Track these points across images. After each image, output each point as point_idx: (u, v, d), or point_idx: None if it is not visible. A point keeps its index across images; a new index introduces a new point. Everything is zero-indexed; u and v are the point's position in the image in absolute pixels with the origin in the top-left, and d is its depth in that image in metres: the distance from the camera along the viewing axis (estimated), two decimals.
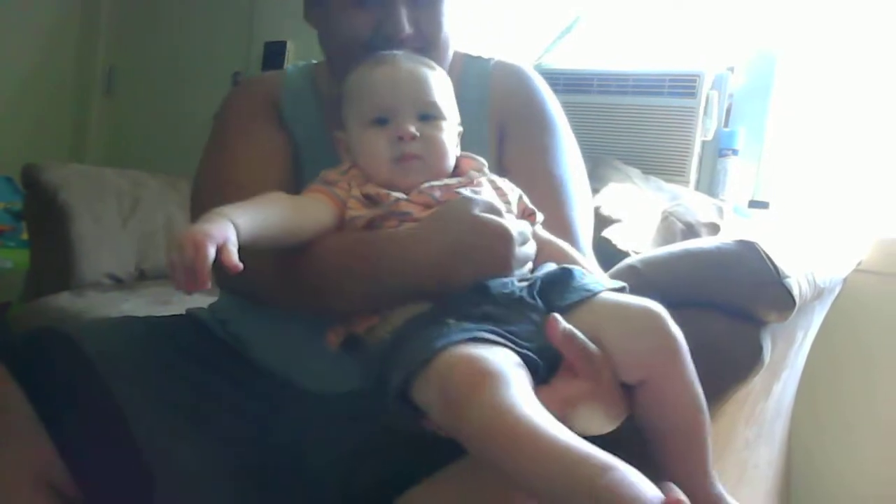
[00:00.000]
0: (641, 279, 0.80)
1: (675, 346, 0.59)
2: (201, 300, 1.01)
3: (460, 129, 0.77)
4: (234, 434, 0.73)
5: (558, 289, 0.63)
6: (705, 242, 0.85)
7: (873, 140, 1.52)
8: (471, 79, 0.88)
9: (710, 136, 1.57)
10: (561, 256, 0.71)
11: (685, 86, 1.54)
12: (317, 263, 0.68)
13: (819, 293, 0.92)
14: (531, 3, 1.87)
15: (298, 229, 0.67)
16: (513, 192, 0.75)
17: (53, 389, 0.68)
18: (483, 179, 0.74)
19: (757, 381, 0.81)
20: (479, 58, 0.92)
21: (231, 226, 0.58)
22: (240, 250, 0.58)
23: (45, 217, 1.62)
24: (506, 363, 0.54)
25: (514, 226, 0.67)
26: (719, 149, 1.57)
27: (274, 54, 2.17)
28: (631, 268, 0.82)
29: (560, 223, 0.79)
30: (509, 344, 0.56)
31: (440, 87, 0.74)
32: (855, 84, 1.53)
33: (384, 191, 0.69)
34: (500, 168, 0.82)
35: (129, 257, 1.71)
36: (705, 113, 1.54)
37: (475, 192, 0.70)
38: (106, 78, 2.59)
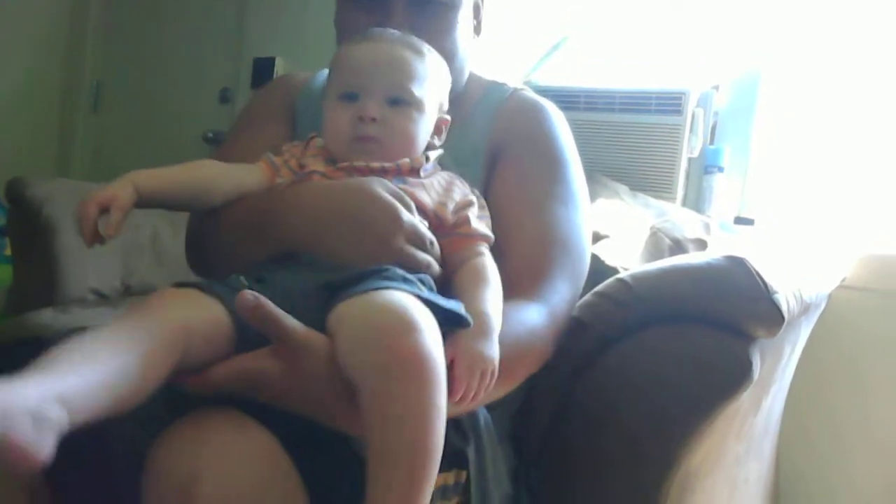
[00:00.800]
0: (632, 294, 0.81)
1: (398, 366, 0.51)
2: None
3: (447, 117, 0.76)
4: None
5: (360, 283, 0.58)
6: (695, 258, 0.86)
7: (857, 157, 1.54)
8: (485, 102, 0.88)
9: (696, 154, 1.59)
10: (470, 280, 0.66)
11: (671, 104, 1.56)
12: (226, 220, 0.72)
13: (805, 309, 0.93)
14: (520, 21, 1.89)
15: (213, 191, 0.71)
16: (462, 195, 0.72)
17: None
18: (444, 174, 0.73)
19: (746, 397, 0.81)
20: (502, 85, 0.91)
21: (129, 188, 0.65)
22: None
23: (29, 232, 1.60)
24: (183, 306, 0.56)
25: (413, 220, 0.65)
26: (705, 166, 1.59)
27: (263, 71, 2.18)
28: (622, 283, 0.83)
29: (528, 261, 0.75)
30: (222, 298, 0.58)
31: (421, 73, 0.72)
32: (838, 102, 1.56)
33: (313, 163, 0.72)
34: (488, 191, 0.80)
35: (114, 273, 1.69)
36: (691, 130, 1.56)
37: (412, 181, 0.69)
38: (93, 94, 2.58)
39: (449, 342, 0.56)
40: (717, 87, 1.62)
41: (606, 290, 0.82)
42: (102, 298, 1.65)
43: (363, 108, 0.70)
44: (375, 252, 0.63)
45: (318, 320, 0.57)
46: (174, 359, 0.54)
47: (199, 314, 0.57)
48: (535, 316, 0.72)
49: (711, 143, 1.61)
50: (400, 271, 0.60)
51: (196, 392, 0.57)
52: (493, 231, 0.73)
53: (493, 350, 0.59)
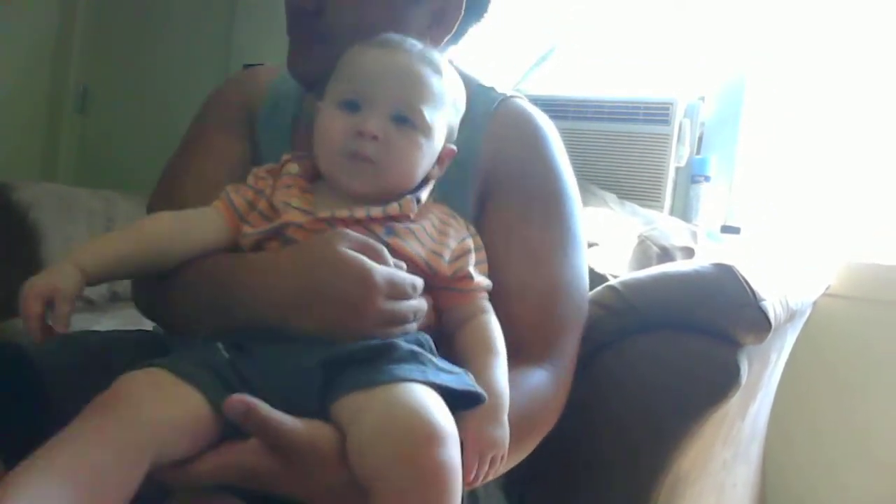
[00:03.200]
0: (622, 301, 0.82)
1: (417, 479, 0.48)
2: None
3: (454, 148, 0.68)
4: None
5: (365, 366, 0.54)
6: (684, 265, 0.87)
7: (840, 167, 1.57)
8: (472, 113, 0.75)
9: (683, 163, 1.61)
10: (477, 349, 0.61)
11: (659, 113, 1.58)
12: (180, 291, 0.65)
13: (791, 316, 0.94)
14: (509, 30, 1.90)
15: (168, 253, 0.64)
16: (458, 240, 0.65)
17: (4, 403, 0.65)
18: (437, 210, 0.66)
19: (734, 402, 0.82)
20: (490, 89, 0.79)
21: (72, 272, 0.58)
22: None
23: (14, 237, 1.58)
24: (153, 401, 0.50)
25: (388, 274, 0.58)
26: (692, 175, 1.61)
27: None
28: (612, 290, 0.83)
29: (534, 321, 0.70)
30: (199, 385, 0.52)
31: (436, 93, 0.64)
32: (821, 112, 1.59)
33: (289, 207, 0.63)
34: (481, 228, 0.71)
35: None
36: (678, 140, 1.58)
37: (400, 229, 0.62)
38: (79, 97, 2.56)
39: (460, 424, 0.52)
40: (703, 98, 1.64)
41: (597, 297, 0.83)
42: (89, 304, 1.63)
43: (364, 121, 0.61)
44: (354, 324, 0.57)
45: (313, 399, 0.54)
46: (146, 465, 0.49)
47: (172, 409, 0.51)
48: (542, 383, 0.68)
49: (698, 152, 1.64)
50: (406, 346, 0.55)
51: (178, 485, 0.53)
52: (491, 277, 0.67)
53: (504, 432, 0.56)
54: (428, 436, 0.49)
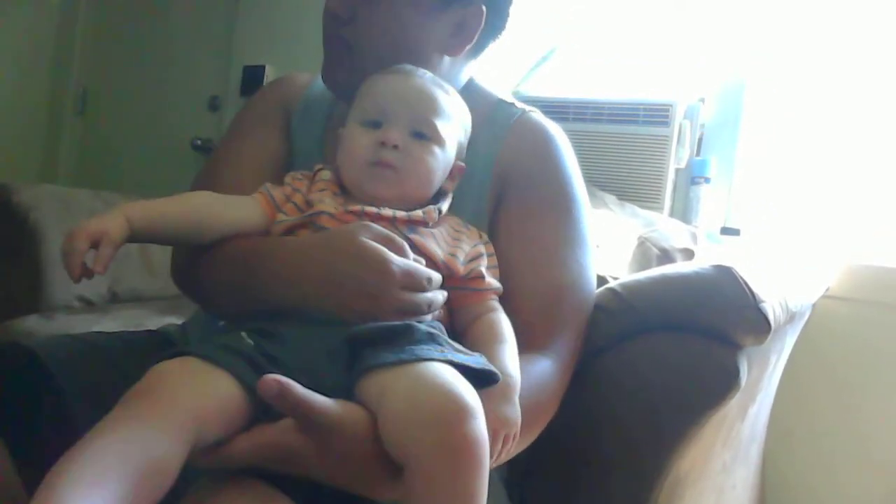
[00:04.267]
0: (622, 303, 0.82)
1: (451, 452, 0.49)
2: (177, 319, 1.00)
3: (463, 165, 0.75)
4: None
5: (387, 345, 0.56)
6: (683, 267, 0.87)
7: (840, 169, 1.57)
8: (492, 123, 0.83)
9: (683, 165, 1.61)
10: (487, 338, 0.65)
11: (659, 115, 1.58)
12: (212, 267, 0.69)
13: (791, 317, 0.94)
14: (509, 31, 1.90)
15: (207, 228, 0.69)
16: (470, 245, 0.71)
17: (14, 403, 0.67)
18: (450, 221, 0.72)
19: (734, 403, 0.82)
20: (511, 105, 0.87)
21: (121, 221, 0.62)
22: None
23: (15, 238, 1.58)
24: (189, 387, 0.52)
25: (405, 265, 0.62)
26: (692, 177, 1.61)
27: (253, 78, 2.17)
28: (611, 291, 0.83)
29: (540, 311, 0.74)
30: (232, 369, 0.54)
31: (447, 111, 0.72)
32: (821, 114, 1.59)
33: (321, 200, 0.68)
34: (494, 226, 0.78)
35: (101, 280, 1.68)
36: (678, 142, 1.58)
37: (422, 231, 0.67)
38: (80, 99, 2.57)
39: None
40: (703, 100, 1.65)
41: (596, 298, 0.83)
42: (89, 305, 1.64)
43: (386, 134, 0.69)
44: (371, 309, 0.60)
45: (341, 379, 0.56)
46: (187, 450, 0.50)
47: (207, 395, 0.53)
48: (547, 371, 0.72)
49: (698, 154, 1.64)
50: (424, 328, 0.58)
51: (213, 468, 0.54)
52: (502, 272, 0.72)
53: (517, 412, 0.58)
54: (458, 411, 0.50)
